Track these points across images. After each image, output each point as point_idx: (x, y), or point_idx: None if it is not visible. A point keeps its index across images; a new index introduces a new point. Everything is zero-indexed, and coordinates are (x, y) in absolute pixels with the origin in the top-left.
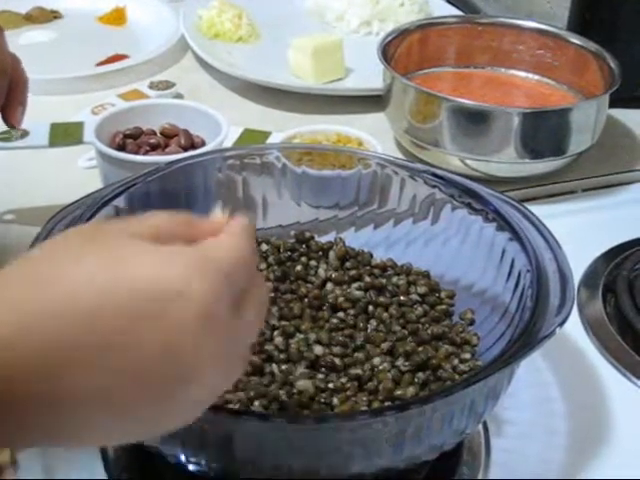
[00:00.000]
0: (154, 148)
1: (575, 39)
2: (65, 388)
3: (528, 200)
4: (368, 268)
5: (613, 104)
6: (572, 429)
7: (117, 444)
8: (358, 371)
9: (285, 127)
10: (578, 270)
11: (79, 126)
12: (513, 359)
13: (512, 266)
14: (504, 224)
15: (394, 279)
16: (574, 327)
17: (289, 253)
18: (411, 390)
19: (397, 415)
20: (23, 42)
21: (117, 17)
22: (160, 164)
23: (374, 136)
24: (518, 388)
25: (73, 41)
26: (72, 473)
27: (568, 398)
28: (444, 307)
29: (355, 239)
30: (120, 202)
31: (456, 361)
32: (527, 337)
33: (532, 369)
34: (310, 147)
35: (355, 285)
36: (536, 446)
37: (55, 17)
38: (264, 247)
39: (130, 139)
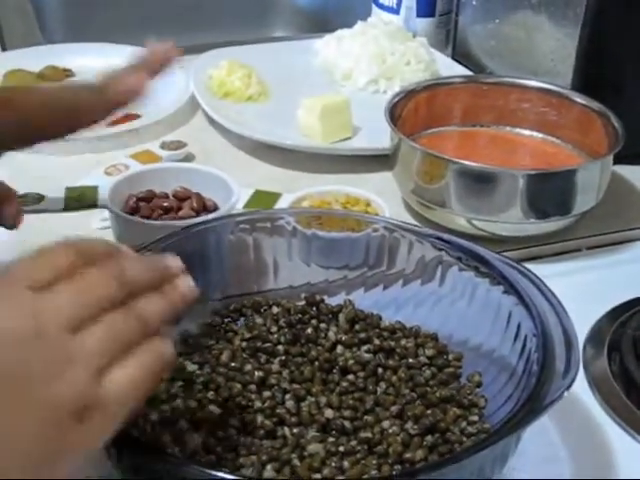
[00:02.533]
0: (167, 211)
1: (579, 98)
2: None
3: (533, 259)
4: (377, 331)
5: (617, 161)
6: None
7: None
8: (368, 434)
9: (294, 186)
10: (583, 328)
11: (94, 190)
12: (520, 425)
13: (518, 329)
14: (510, 288)
15: (403, 342)
16: (579, 385)
17: (300, 316)
18: (420, 453)
19: None
20: None
21: None
22: (174, 229)
23: (382, 195)
24: (525, 448)
25: None
26: None
27: (575, 458)
28: (452, 370)
29: (365, 299)
30: None
31: (464, 424)
32: (534, 402)
33: (538, 429)
34: (320, 212)
35: (364, 348)
36: None
37: (67, 76)
38: (275, 310)
39: (143, 202)
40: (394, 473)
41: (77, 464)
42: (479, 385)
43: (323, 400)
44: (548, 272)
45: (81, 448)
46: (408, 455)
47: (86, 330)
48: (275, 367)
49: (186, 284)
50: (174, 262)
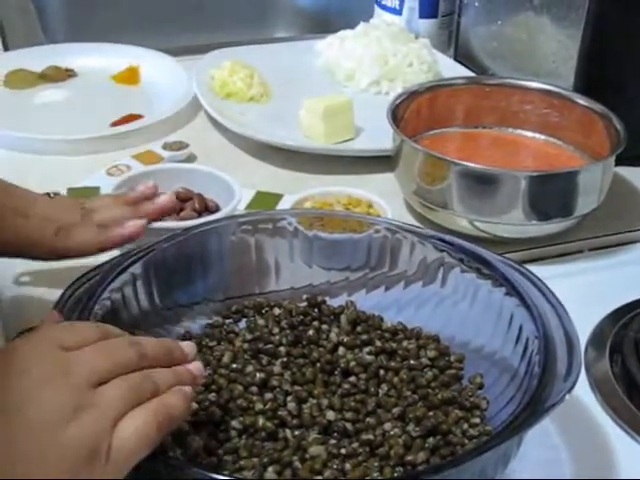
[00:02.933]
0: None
1: (581, 100)
2: None
3: (535, 260)
4: (379, 332)
5: (619, 162)
6: None
7: None
8: (370, 436)
9: (296, 187)
10: (585, 330)
11: (95, 191)
12: (522, 427)
13: (520, 331)
14: (512, 290)
15: (404, 343)
16: (581, 387)
17: (301, 317)
18: (422, 455)
19: None
20: (38, 101)
21: (131, 76)
22: (176, 230)
23: (384, 196)
24: (527, 450)
25: (87, 100)
26: None
27: (577, 460)
28: (454, 371)
29: (366, 301)
30: (137, 269)
31: (466, 426)
32: (535, 404)
33: (540, 431)
34: (322, 213)
35: (366, 349)
36: None
37: (70, 76)
38: (277, 311)
39: None
40: (396, 475)
41: None
42: (481, 387)
43: (325, 402)
44: (550, 274)
45: None
46: (410, 457)
47: (106, 384)
48: (277, 369)
49: (198, 367)
50: (189, 348)
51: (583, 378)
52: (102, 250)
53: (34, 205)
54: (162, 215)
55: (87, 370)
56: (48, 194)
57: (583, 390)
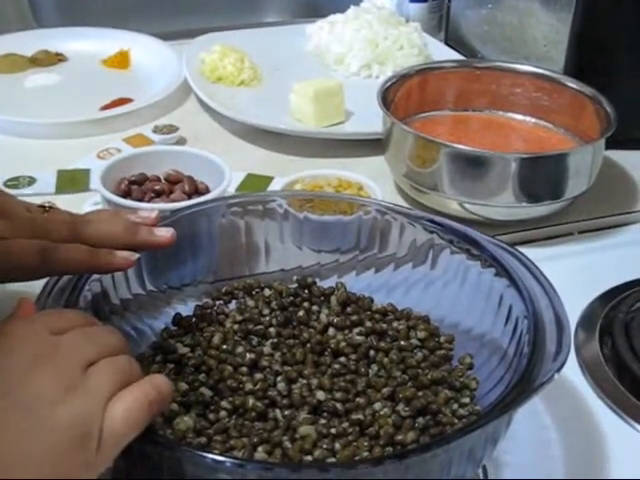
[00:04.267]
0: (159, 194)
1: (571, 83)
2: None
3: (525, 242)
4: (369, 313)
5: (609, 146)
6: (570, 472)
7: None
8: (359, 416)
9: (286, 170)
10: (575, 312)
11: (85, 173)
12: (511, 406)
13: (510, 312)
14: (502, 270)
15: (394, 324)
16: (571, 369)
17: (291, 298)
18: (411, 435)
19: (397, 463)
20: (28, 85)
21: (121, 60)
22: (165, 212)
23: (374, 180)
24: (516, 430)
25: (78, 84)
26: None
27: (566, 441)
28: (444, 352)
29: (356, 283)
30: None
31: (455, 406)
32: (525, 384)
33: (530, 411)
34: (312, 195)
35: (356, 330)
36: None
37: (60, 60)
38: (267, 292)
39: (135, 185)
40: (385, 455)
41: None
42: (470, 367)
43: (315, 382)
44: (540, 256)
45: (85, 473)
46: (399, 437)
47: (94, 366)
48: (267, 349)
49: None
50: None
51: (573, 360)
52: (87, 273)
53: (21, 223)
54: (156, 249)
55: (76, 353)
56: (43, 206)
57: (573, 372)
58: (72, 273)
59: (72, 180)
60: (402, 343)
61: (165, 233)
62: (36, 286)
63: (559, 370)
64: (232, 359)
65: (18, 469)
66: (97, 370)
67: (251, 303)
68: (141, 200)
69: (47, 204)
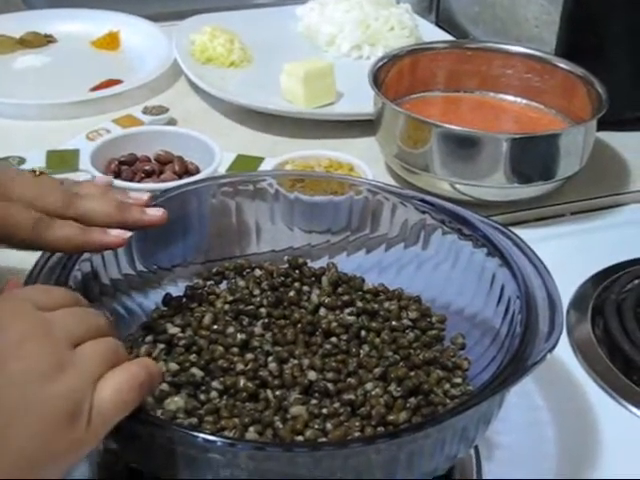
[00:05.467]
0: (149, 175)
1: (563, 64)
2: None
3: (517, 224)
4: (360, 293)
5: (601, 127)
6: (562, 453)
7: None
8: (351, 396)
9: (277, 151)
10: (567, 293)
11: (75, 153)
12: (503, 386)
13: (502, 291)
14: (494, 250)
15: (386, 304)
16: (563, 350)
17: (282, 278)
18: (403, 415)
19: (389, 442)
20: (17, 66)
21: (111, 42)
22: (155, 192)
23: (365, 160)
24: (509, 412)
25: (67, 65)
26: None
27: (558, 421)
28: (435, 332)
29: (347, 264)
30: None
31: (447, 386)
32: (517, 363)
33: (522, 392)
34: (302, 174)
35: (348, 310)
36: (527, 470)
37: (49, 41)
38: (257, 272)
39: (125, 166)
40: (377, 434)
41: (69, 466)
42: (462, 347)
43: (306, 362)
44: (531, 237)
45: (74, 450)
46: (391, 417)
47: (83, 345)
48: (258, 330)
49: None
50: None
51: (565, 340)
52: (79, 251)
53: (13, 186)
54: (147, 228)
55: (65, 330)
56: (33, 171)
57: (565, 352)
58: (65, 250)
59: (61, 160)
60: (394, 323)
61: (156, 212)
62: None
63: (551, 350)
64: (223, 339)
65: (7, 444)
66: (86, 349)
67: (242, 283)
68: (131, 180)
69: (37, 171)
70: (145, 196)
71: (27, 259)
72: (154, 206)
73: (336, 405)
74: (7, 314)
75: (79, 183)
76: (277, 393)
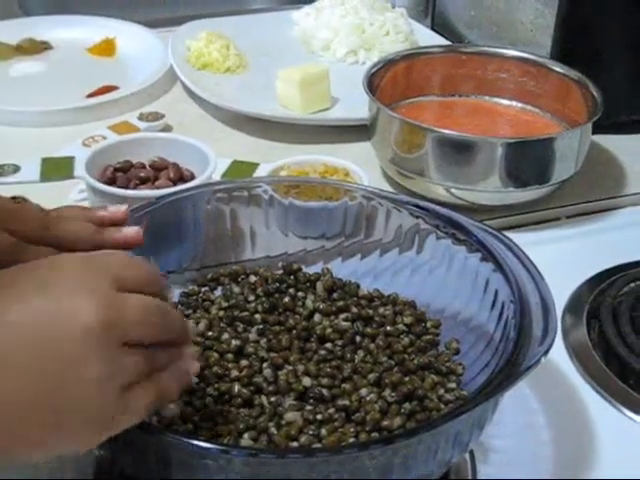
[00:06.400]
0: (144, 181)
1: (558, 67)
2: None
3: (513, 228)
4: (355, 299)
5: (596, 130)
6: (557, 456)
7: None
8: (346, 402)
9: (273, 157)
10: (562, 297)
11: (70, 160)
12: (497, 390)
13: (496, 296)
14: (487, 255)
15: (381, 309)
16: (559, 353)
17: (277, 284)
18: (398, 421)
19: (384, 448)
20: (13, 73)
21: (107, 48)
22: (150, 198)
23: (360, 165)
24: (504, 415)
25: (63, 72)
26: None
27: (553, 425)
28: (430, 337)
29: (342, 269)
30: None
31: (442, 391)
32: (511, 368)
33: (517, 396)
34: (297, 180)
35: (342, 316)
36: (522, 473)
37: (45, 48)
38: (252, 278)
39: (120, 172)
40: (371, 440)
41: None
42: (457, 352)
43: (301, 368)
44: (527, 241)
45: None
46: (386, 422)
47: (133, 347)
48: (252, 336)
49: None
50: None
51: (560, 344)
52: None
53: None
54: (124, 248)
55: (132, 330)
56: (14, 197)
57: (560, 356)
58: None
59: (57, 168)
60: (388, 328)
61: (133, 231)
62: None
63: (545, 354)
64: (218, 346)
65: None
66: (133, 354)
67: (237, 289)
68: (126, 187)
69: (19, 198)
70: (122, 208)
71: None
72: (150, 212)
73: (331, 411)
74: (81, 288)
75: (59, 208)
76: (272, 399)
